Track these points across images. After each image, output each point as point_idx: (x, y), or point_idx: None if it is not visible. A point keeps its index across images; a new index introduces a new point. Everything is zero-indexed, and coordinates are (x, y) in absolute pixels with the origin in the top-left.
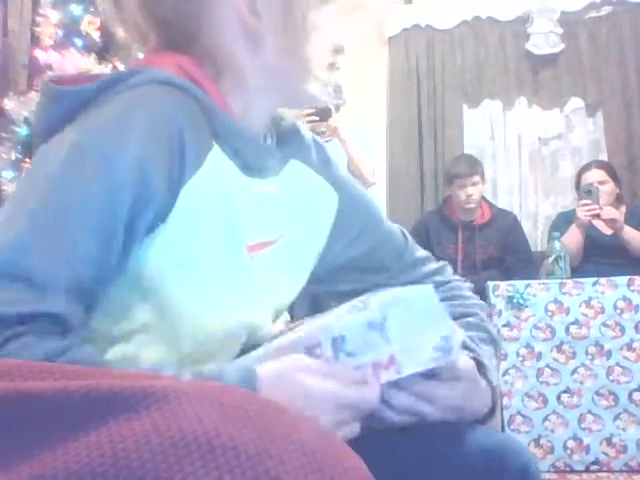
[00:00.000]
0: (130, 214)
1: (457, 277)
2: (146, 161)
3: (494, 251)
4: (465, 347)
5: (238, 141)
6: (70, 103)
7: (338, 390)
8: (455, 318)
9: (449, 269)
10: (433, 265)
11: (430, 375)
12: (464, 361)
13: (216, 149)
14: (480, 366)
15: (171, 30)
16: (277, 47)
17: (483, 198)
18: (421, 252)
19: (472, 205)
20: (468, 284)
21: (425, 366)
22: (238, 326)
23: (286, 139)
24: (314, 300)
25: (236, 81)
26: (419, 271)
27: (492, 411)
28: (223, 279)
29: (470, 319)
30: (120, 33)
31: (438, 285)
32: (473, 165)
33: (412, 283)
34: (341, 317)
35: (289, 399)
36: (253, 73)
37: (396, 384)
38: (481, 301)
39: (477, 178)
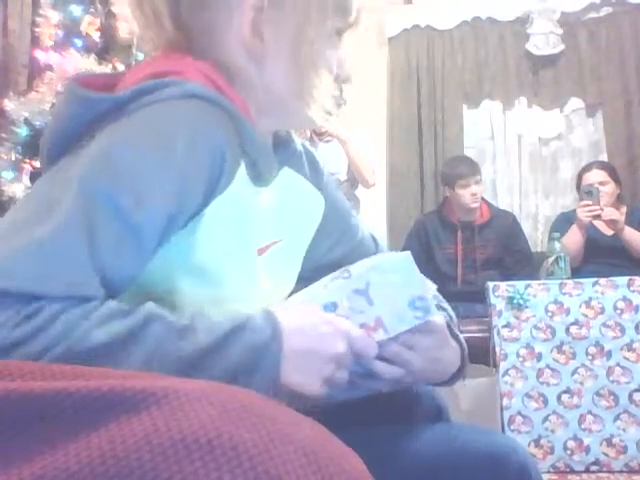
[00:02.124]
0: (170, 222)
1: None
2: (186, 175)
3: (493, 251)
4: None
5: (257, 153)
6: (100, 109)
7: (352, 331)
8: None
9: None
10: None
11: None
12: (437, 317)
13: (243, 165)
14: (449, 323)
15: (189, 36)
16: (280, 71)
17: (482, 198)
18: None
19: (476, 204)
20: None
21: (409, 325)
22: None
23: (279, 145)
24: None
25: (246, 92)
26: None
27: (460, 371)
28: (237, 286)
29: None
30: (124, 32)
31: None
32: (473, 165)
33: None
34: (328, 286)
35: (309, 340)
36: (258, 90)
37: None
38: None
39: (479, 177)
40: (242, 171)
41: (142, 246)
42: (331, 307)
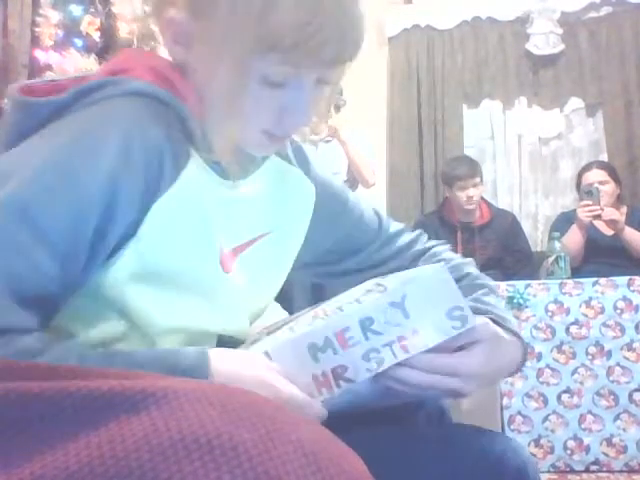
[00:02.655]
0: (97, 233)
1: (434, 242)
2: (117, 179)
3: (494, 251)
4: (475, 311)
5: (213, 150)
6: (42, 114)
7: (283, 392)
8: None
9: (424, 237)
10: (407, 237)
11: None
12: (479, 320)
13: (194, 159)
14: (498, 320)
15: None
16: (202, 86)
17: (482, 199)
18: (395, 226)
19: (472, 206)
20: (448, 246)
21: (447, 335)
22: (210, 333)
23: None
24: (317, 291)
25: (199, 91)
26: (395, 245)
27: (522, 363)
28: (194, 291)
29: (463, 282)
30: (124, 32)
31: (418, 255)
32: (473, 167)
33: (391, 257)
34: (362, 300)
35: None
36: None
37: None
38: (464, 258)
39: (478, 179)
40: (192, 169)
41: (68, 262)
42: (367, 322)
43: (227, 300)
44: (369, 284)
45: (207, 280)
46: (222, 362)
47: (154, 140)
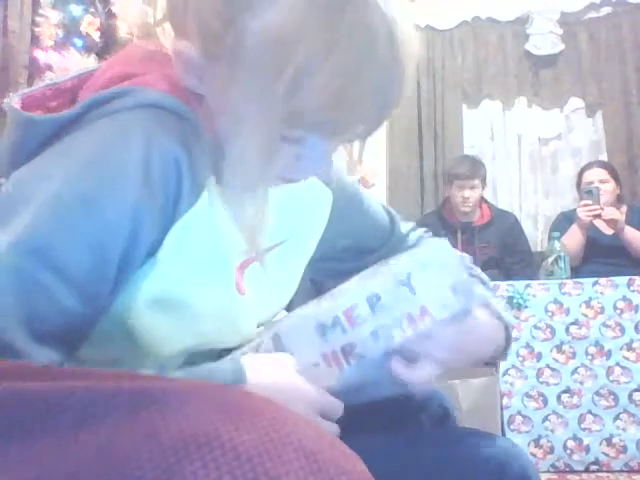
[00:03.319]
0: (122, 262)
1: (438, 239)
2: (140, 205)
3: (494, 252)
4: None
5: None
6: (51, 131)
7: (315, 395)
8: None
9: (428, 235)
10: (414, 235)
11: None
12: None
13: (213, 178)
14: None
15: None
16: (217, 124)
17: (483, 199)
18: (405, 226)
19: (467, 209)
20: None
21: (453, 310)
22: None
23: None
24: (316, 289)
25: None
26: (405, 245)
27: (506, 348)
28: (211, 315)
29: None
30: (124, 32)
31: None
32: (476, 168)
33: None
34: (369, 279)
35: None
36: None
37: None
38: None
39: (477, 182)
40: (210, 187)
41: (93, 299)
42: (374, 299)
43: (243, 321)
44: (377, 265)
45: (224, 304)
46: (258, 374)
47: (173, 159)
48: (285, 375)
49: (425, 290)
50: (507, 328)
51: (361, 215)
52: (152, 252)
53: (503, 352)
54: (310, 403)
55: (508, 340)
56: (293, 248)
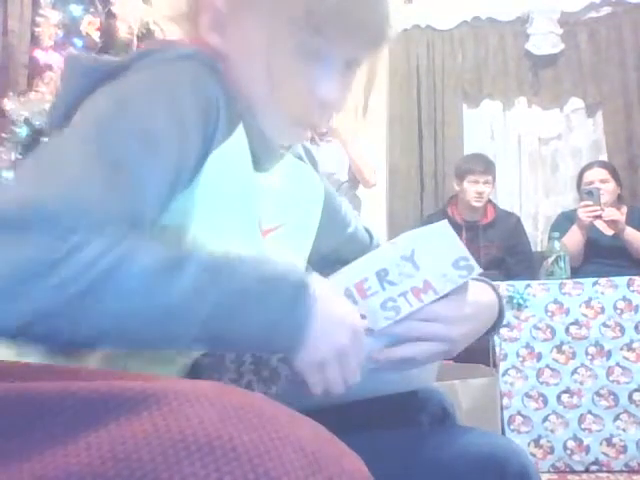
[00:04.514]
0: (172, 184)
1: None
2: (188, 130)
3: (497, 252)
4: None
5: (255, 133)
6: (100, 75)
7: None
8: None
9: None
10: None
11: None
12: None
13: (241, 127)
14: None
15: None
16: (240, 74)
17: (488, 199)
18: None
19: (480, 204)
20: None
21: (456, 284)
22: None
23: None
24: None
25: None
26: None
27: (499, 321)
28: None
29: None
30: (124, 32)
31: None
32: (488, 165)
33: None
34: (376, 256)
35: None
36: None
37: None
38: None
39: (490, 178)
40: (241, 134)
41: (160, 190)
42: (382, 273)
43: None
44: (385, 244)
45: (250, 242)
46: (323, 291)
47: (214, 92)
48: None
49: (428, 265)
50: (500, 300)
51: (341, 222)
52: (191, 179)
53: (496, 326)
54: (357, 335)
55: (501, 313)
56: (293, 232)
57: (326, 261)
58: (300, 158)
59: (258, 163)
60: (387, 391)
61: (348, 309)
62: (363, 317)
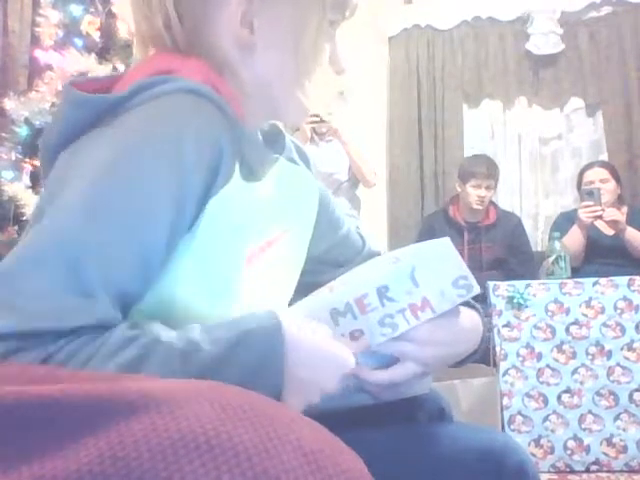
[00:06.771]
0: (169, 240)
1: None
2: (186, 183)
3: (499, 252)
4: None
5: (249, 150)
6: (99, 110)
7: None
8: None
9: None
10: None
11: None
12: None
13: (237, 164)
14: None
15: (176, 30)
16: (273, 62)
17: (490, 199)
18: (375, 246)
19: (481, 207)
20: None
21: (453, 303)
22: None
23: (270, 140)
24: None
25: (235, 85)
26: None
27: (479, 348)
28: (230, 289)
29: None
30: (124, 32)
31: None
32: (492, 168)
33: None
34: (377, 271)
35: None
36: (247, 82)
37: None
38: None
39: (492, 182)
40: (237, 170)
41: (151, 261)
42: (383, 289)
43: (250, 301)
44: (380, 258)
45: (234, 281)
46: (298, 331)
47: (216, 137)
48: (323, 337)
49: (427, 283)
50: (484, 327)
51: (335, 224)
52: (189, 226)
53: (473, 353)
54: (343, 368)
55: (483, 339)
56: (297, 236)
57: (316, 263)
58: (292, 160)
59: (252, 173)
60: (378, 401)
61: (336, 349)
62: (360, 332)
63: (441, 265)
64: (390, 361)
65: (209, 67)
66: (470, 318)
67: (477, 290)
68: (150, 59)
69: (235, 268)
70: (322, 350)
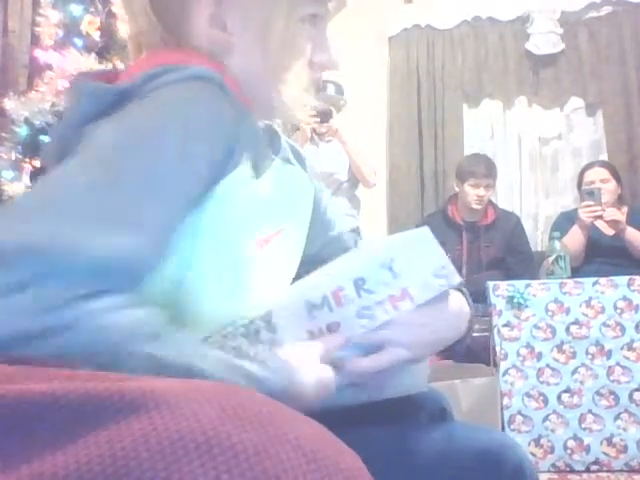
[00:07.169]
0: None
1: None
2: (203, 149)
3: (497, 252)
4: None
5: (255, 142)
6: (109, 100)
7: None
8: None
9: None
10: None
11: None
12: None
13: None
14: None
15: (161, 32)
16: (250, 61)
17: (488, 199)
18: None
19: (479, 207)
20: None
21: (435, 292)
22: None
23: (265, 140)
24: None
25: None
26: None
27: (466, 335)
28: (238, 273)
29: None
30: (124, 31)
31: None
32: (490, 168)
33: None
34: (354, 262)
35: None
36: (231, 74)
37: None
38: None
39: (491, 181)
40: (246, 158)
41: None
42: (360, 282)
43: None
44: (358, 250)
45: (241, 269)
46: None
47: (232, 120)
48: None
49: (407, 274)
50: (470, 313)
51: (326, 221)
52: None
53: (462, 339)
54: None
55: (469, 327)
56: (292, 235)
57: (307, 264)
58: (288, 161)
59: (254, 168)
60: (374, 399)
61: (321, 372)
62: (337, 325)
63: (421, 255)
64: (374, 352)
65: (211, 59)
66: (455, 302)
67: (458, 279)
68: (152, 54)
69: (241, 257)
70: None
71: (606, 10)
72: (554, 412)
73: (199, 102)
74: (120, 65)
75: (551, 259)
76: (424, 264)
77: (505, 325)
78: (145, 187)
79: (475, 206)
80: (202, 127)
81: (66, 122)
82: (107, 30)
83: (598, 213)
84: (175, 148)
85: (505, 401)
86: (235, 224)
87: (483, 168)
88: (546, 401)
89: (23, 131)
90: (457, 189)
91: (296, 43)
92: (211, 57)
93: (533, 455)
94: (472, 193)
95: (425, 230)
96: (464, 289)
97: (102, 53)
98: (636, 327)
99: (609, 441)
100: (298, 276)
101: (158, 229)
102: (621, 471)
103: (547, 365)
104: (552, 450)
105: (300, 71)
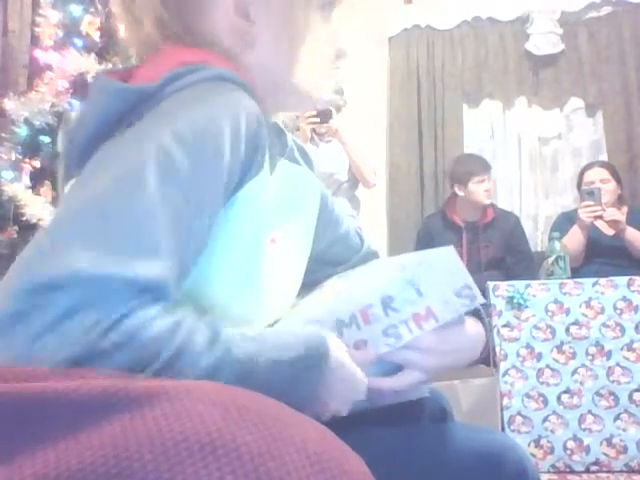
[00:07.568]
0: (212, 208)
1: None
2: (229, 155)
3: (496, 252)
4: None
5: (272, 140)
6: (131, 100)
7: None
8: None
9: None
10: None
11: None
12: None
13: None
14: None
15: (173, 27)
16: (271, 50)
17: None
18: (373, 246)
19: (490, 200)
20: None
21: (457, 313)
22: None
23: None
24: None
25: (245, 77)
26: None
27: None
28: (260, 273)
29: None
30: (121, 33)
31: None
32: (484, 162)
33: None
34: (380, 279)
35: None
36: (253, 73)
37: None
38: None
39: (489, 174)
40: (267, 158)
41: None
42: (387, 300)
43: (274, 285)
44: (384, 265)
45: (258, 269)
46: (340, 351)
47: (254, 123)
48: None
49: (431, 292)
50: (486, 335)
51: (334, 223)
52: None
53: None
54: (358, 394)
55: (485, 348)
56: (299, 234)
57: (315, 262)
58: (295, 160)
59: (270, 166)
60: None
61: (357, 370)
62: (364, 343)
63: (445, 275)
64: (392, 368)
65: (227, 57)
66: (474, 327)
67: (481, 300)
68: (168, 52)
69: (259, 257)
70: (349, 373)
71: (606, 10)
72: (554, 413)
73: (222, 104)
74: (120, 65)
75: (551, 259)
76: (448, 283)
77: (505, 325)
78: (185, 206)
79: (487, 201)
80: (224, 131)
81: (89, 123)
82: (107, 30)
83: (598, 213)
84: (200, 157)
85: (505, 402)
86: (256, 226)
87: (480, 164)
88: (546, 402)
89: (23, 131)
90: (461, 193)
91: (317, 30)
92: (227, 55)
93: (533, 456)
94: (480, 189)
95: (450, 249)
96: (482, 311)
97: (102, 53)
98: (636, 328)
99: (609, 442)
100: (307, 274)
101: (183, 251)
102: (621, 472)
103: (547, 366)
104: (552, 451)
105: (321, 58)
